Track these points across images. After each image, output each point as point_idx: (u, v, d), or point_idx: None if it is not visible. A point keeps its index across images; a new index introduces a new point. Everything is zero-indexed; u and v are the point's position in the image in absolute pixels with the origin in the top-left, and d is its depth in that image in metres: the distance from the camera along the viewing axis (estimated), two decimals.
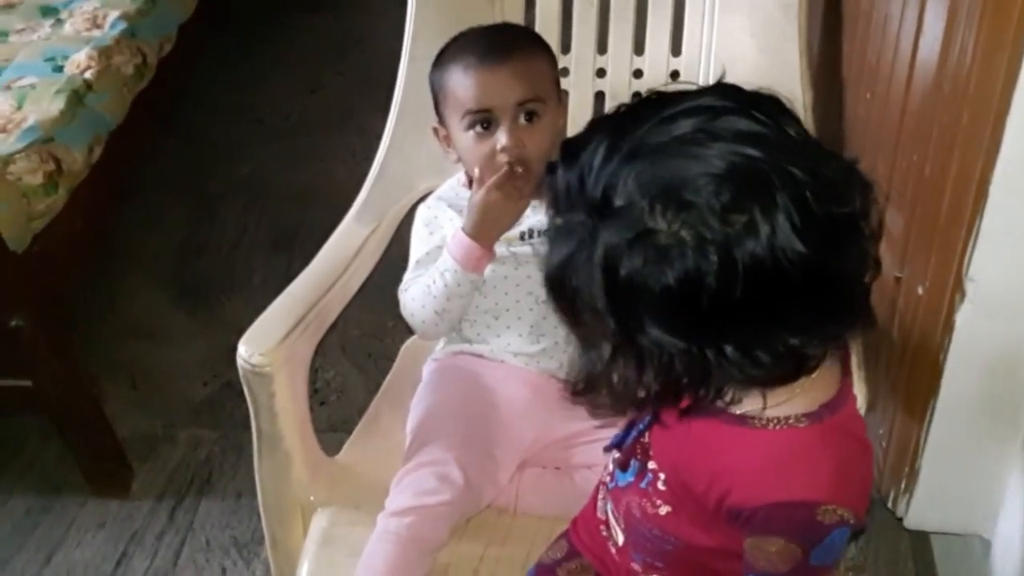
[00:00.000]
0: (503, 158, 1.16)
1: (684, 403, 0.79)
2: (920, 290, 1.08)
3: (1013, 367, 1.04)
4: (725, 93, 0.75)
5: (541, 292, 1.15)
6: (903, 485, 1.17)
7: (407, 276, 1.26)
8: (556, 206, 0.78)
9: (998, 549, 1.15)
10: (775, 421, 0.80)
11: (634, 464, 0.93)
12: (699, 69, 1.38)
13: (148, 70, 1.96)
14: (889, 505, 1.21)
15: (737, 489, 0.82)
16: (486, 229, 1.17)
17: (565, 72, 1.43)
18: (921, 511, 1.18)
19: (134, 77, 1.90)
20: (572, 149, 0.77)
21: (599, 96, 1.43)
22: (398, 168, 1.41)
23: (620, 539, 0.98)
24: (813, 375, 0.79)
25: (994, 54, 0.89)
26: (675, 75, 1.39)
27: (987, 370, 1.05)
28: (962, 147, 0.95)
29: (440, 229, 1.26)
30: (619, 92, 1.41)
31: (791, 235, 0.69)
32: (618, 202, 0.72)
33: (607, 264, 0.72)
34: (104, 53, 1.82)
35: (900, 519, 1.22)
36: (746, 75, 1.39)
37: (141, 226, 2.27)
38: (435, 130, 1.27)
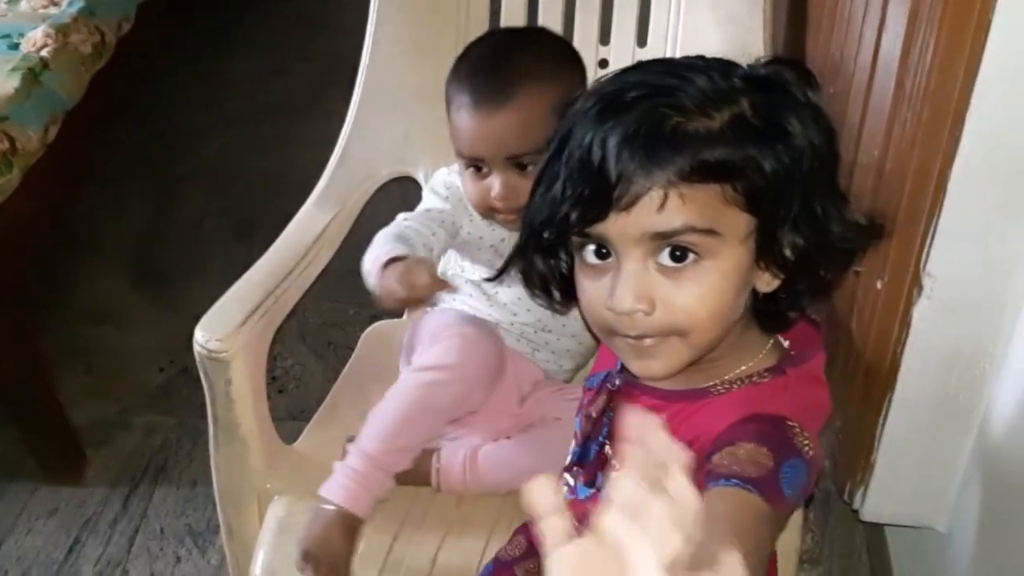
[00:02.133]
0: (497, 205, 1.14)
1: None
2: (879, 284, 1.08)
3: (969, 362, 1.05)
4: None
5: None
6: (859, 477, 1.18)
7: (401, 215, 1.23)
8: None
9: (951, 542, 1.17)
10: (738, 382, 0.81)
11: (600, 476, 0.91)
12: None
13: (106, 49, 1.92)
14: (845, 497, 1.22)
15: (706, 439, 0.77)
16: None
17: None
18: (876, 504, 1.19)
19: (92, 56, 1.86)
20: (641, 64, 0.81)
21: None
22: (360, 153, 1.40)
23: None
24: (771, 341, 0.82)
25: (955, 52, 0.89)
26: None
27: (943, 365, 1.06)
28: (922, 144, 0.96)
29: (455, 199, 1.23)
30: None
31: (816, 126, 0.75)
32: (630, 95, 0.73)
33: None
34: (61, 31, 1.79)
35: (856, 511, 1.23)
36: None
37: (100, 210, 2.24)
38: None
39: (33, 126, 1.65)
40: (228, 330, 1.14)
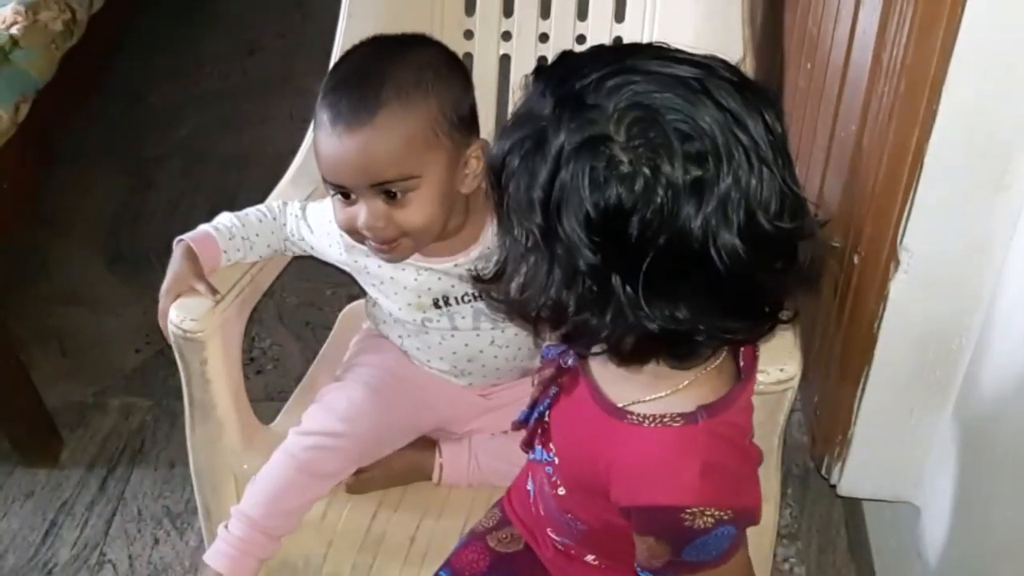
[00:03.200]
0: (365, 234, 1.06)
1: (561, 332, 0.77)
2: (856, 259, 1.08)
3: (945, 336, 1.05)
4: (727, 66, 0.73)
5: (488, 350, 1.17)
6: (836, 452, 1.18)
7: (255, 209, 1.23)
8: (526, 99, 0.75)
9: (927, 516, 1.17)
10: (651, 419, 0.80)
11: (538, 448, 0.94)
12: (642, 35, 1.37)
13: (78, 27, 1.89)
14: (823, 472, 1.23)
15: (615, 484, 0.83)
16: None
17: (508, 36, 1.41)
18: (853, 478, 1.19)
19: (63, 34, 1.83)
20: (565, 57, 0.76)
21: (541, 60, 1.41)
22: None
23: (540, 508, 0.98)
24: (698, 373, 0.79)
25: (932, 25, 0.89)
26: (617, 41, 1.38)
27: (920, 339, 1.06)
28: (899, 117, 0.95)
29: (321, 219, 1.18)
30: None
31: (730, 228, 0.68)
32: (588, 101, 0.70)
33: (555, 160, 0.70)
34: (31, 8, 1.76)
35: (833, 487, 1.23)
36: (689, 42, 1.38)
37: (74, 190, 2.22)
38: None
39: (3, 105, 1.62)
40: (203, 310, 1.13)
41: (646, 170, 0.68)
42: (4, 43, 1.67)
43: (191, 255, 1.15)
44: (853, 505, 1.48)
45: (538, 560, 1.03)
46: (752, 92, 0.71)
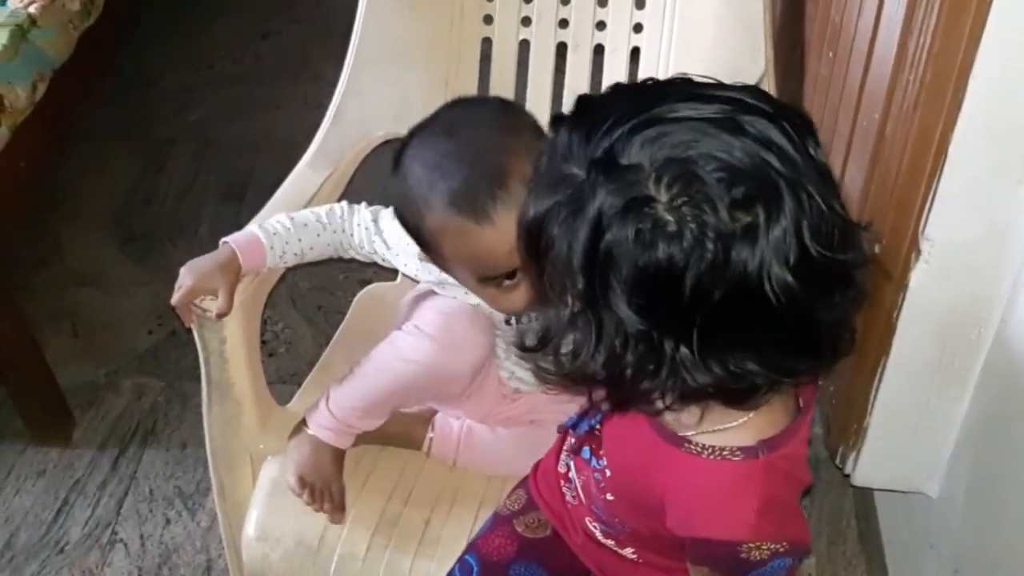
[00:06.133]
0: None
1: (620, 397, 0.76)
2: (876, 248, 1.08)
3: (965, 327, 1.05)
4: (758, 95, 0.71)
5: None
6: (851, 442, 1.18)
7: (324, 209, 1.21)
8: (550, 157, 0.73)
9: (941, 507, 1.17)
10: (710, 450, 0.79)
11: (587, 450, 0.94)
12: (663, 23, 1.36)
13: (95, 7, 1.90)
14: (837, 462, 1.23)
15: (671, 510, 0.83)
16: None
17: (527, 21, 1.40)
18: (868, 468, 1.19)
19: (80, 14, 1.84)
20: (585, 105, 0.74)
21: (561, 47, 1.41)
22: (354, 113, 1.38)
23: (581, 499, 0.98)
24: (760, 408, 0.78)
25: (960, 13, 0.88)
26: (638, 28, 1.38)
27: (939, 330, 1.06)
28: (924, 106, 0.95)
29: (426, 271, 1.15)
30: (581, 43, 1.40)
31: (784, 264, 0.66)
32: (622, 161, 0.67)
33: (596, 225, 0.67)
34: None
35: (846, 476, 1.23)
36: (710, 30, 1.39)
37: (88, 170, 2.22)
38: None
39: (21, 84, 1.63)
40: None
41: (693, 226, 0.66)
42: (22, 22, 1.67)
43: (232, 260, 1.13)
44: (864, 496, 1.48)
45: (566, 546, 1.02)
46: (787, 120, 0.69)
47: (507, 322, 1.15)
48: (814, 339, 0.72)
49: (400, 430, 1.20)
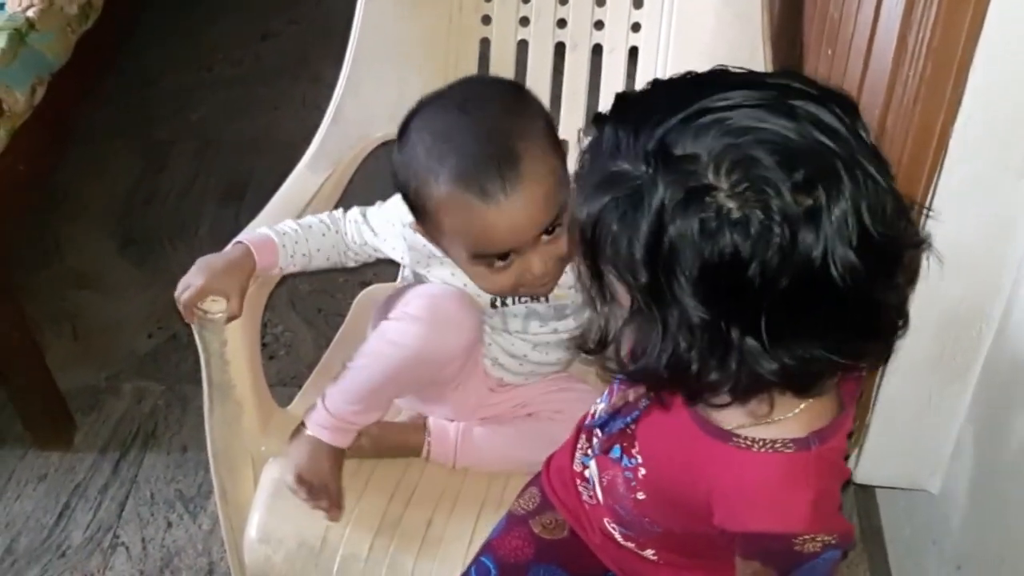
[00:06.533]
0: (535, 282, 1.05)
1: (686, 390, 0.75)
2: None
3: (966, 323, 1.05)
4: (802, 79, 0.71)
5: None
6: (853, 439, 1.18)
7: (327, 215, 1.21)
8: (594, 156, 0.72)
9: (944, 503, 1.17)
10: (760, 443, 0.78)
11: (617, 448, 0.93)
12: (661, 21, 1.36)
13: (93, 10, 1.89)
14: None
15: (718, 506, 0.82)
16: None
17: (525, 21, 1.40)
18: (871, 465, 1.19)
19: (78, 17, 1.83)
20: (626, 103, 0.73)
21: (559, 47, 1.41)
22: (354, 114, 1.38)
23: (600, 499, 0.97)
24: (812, 399, 0.77)
25: (960, 6, 0.88)
26: (636, 27, 1.38)
27: (941, 326, 1.06)
28: (924, 101, 0.95)
29: (416, 252, 1.15)
30: (580, 43, 1.39)
31: (847, 245, 0.66)
32: (677, 152, 0.67)
33: (658, 218, 0.66)
34: None
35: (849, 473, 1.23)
36: (708, 29, 1.39)
37: (87, 173, 2.22)
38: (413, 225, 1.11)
39: (20, 87, 1.62)
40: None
41: (758, 212, 0.65)
42: (21, 25, 1.67)
43: (245, 260, 1.14)
44: (866, 493, 1.48)
45: (584, 546, 1.01)
46: (835, 102, 0.69)
47: (492, 305, 1.14)
48: (877, 320, 0.72)
49: (397, 441, 1.20)
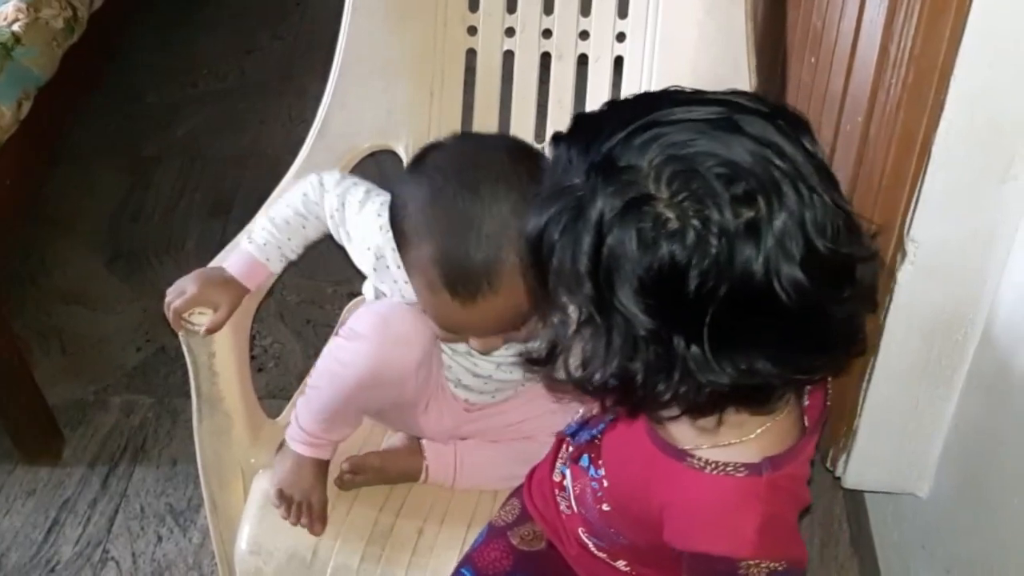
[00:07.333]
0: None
1: (633, 403, 0.75)
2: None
3: (951, 327, 1.06)
4: (751, 97, 0.72)
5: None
6: (841, 444, 1.19)
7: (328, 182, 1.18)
8: (550, 174, 0.73)
9: (932, 508, 1.18)
10: (713, 465, 0.79)
11: (585, 458, 0.94)
12: (646, 31, 1.37)
13: (78, 25, 1.89)
14: (827, 465, 1.23)
15: (669, 523, 0.82)
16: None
17: (511, 32, 1.41)
18: (858, 470, 1.19)
19: (64, 31, 1.83)
20: (582, 121, 0.74)
21: (545, 57, 1.42)
22: (340, 126, 1.39)
23: (574, 508, 0.98)
24: (768, 423, 0.78)
25: (941, 15, 0.89)
26: (621, 37, 1.39)
27: (926, 330, 1.07)
28: (907, 108, 0.96)
29: (382, 266, 1.12)
30: (565, 53, 1.40)
31: (791, 260, 0.66)
32: (621, 163, 0.68)
33: (598, 228, 0.67)
34: (32, 5, 1.75)
35: (836, 479, 1.24)
36: (692, 38, 1.40)
37: (74, 188, 2.21)
38: None
39: (6, 102, 1.62)
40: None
41: (695, 222, 0.65)
42: (6, 40, 1.67)
43: (239, 285, 1.15)
44: (855, 499, 1.48)
45: (561, 558, 1.02)
46: (783, 119, 0.69)
47: None
48: (825, 335, 0.72)
49: (397, 469, 1.20)
